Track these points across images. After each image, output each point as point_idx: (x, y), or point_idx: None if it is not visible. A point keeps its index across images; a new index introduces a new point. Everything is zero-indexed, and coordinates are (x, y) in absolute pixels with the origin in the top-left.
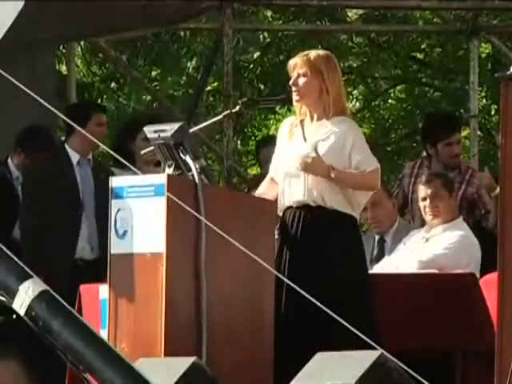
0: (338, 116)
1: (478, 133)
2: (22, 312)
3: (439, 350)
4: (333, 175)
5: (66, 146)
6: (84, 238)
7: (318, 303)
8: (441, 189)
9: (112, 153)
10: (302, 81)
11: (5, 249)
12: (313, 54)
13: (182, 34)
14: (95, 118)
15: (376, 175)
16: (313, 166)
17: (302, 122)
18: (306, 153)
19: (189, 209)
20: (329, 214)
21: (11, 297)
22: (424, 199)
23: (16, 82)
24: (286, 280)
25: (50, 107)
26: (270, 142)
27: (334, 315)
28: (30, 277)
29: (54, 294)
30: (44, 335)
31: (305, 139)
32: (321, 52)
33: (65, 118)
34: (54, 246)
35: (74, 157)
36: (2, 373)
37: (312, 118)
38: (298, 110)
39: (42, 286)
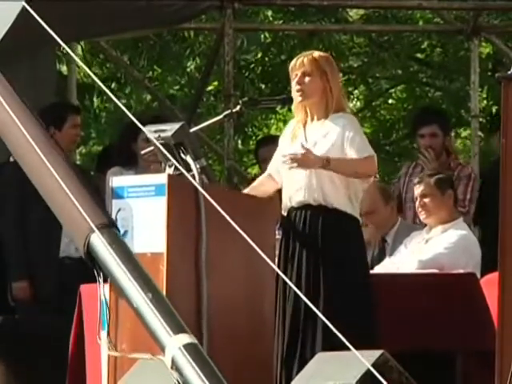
0: (336, 113)
1: (479, 133)
2: (169, 366)
3: (440, 350)
4: (329, 164)
5: None
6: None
7: (314, 307)
8: (432, 187)
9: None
10: (307, 80)
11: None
12: (316, 54)
13: (185, 33)
14: (70, 119)
15: (371, 161)
16: (305, 161)
17: (304, 123)
18: (293, 152)
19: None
20: (330, 214)
21: (162, 350)
22: (416, 198)
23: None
24: (286, 280)
25: (133, 118)
26: (269, 141)
27: (327, 322)
28: (180, 331)
29: (196, 348)
30: None
31: (306, 140)
32: (322, 53)
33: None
34: (36, 247)
35: None
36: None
37: (312, 118)
38: (296, 113)
39: (186, 341)
